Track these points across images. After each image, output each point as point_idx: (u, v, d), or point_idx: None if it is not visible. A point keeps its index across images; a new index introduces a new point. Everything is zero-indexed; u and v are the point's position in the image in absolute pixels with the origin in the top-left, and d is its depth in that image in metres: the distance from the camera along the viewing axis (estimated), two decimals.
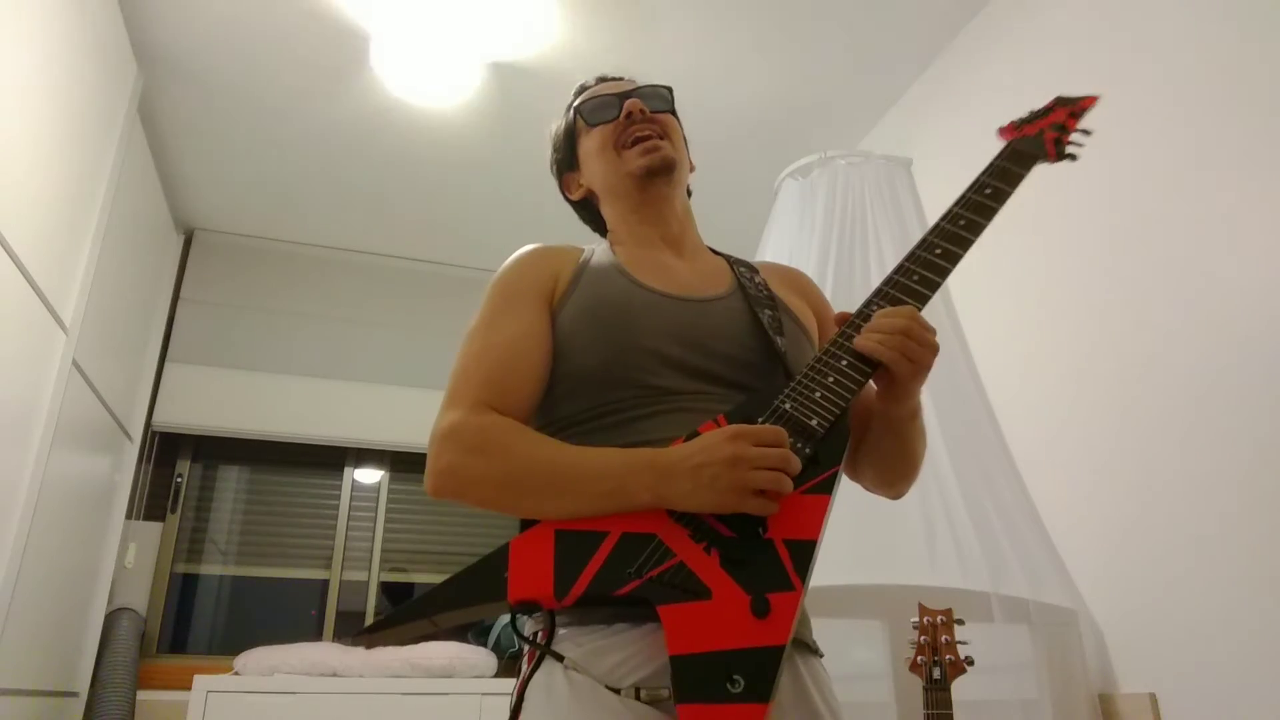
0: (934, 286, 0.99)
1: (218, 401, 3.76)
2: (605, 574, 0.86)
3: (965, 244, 1.03)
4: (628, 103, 1.20)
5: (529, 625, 0.98)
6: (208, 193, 3.74)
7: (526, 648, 0.96)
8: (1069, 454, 2.19)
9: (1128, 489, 2.01)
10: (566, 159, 1.30)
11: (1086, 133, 1.11)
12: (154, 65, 2.95)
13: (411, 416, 3.87)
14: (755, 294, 1.12)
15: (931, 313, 1.14)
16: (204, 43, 2.88)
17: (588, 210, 1.31)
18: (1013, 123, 1.16)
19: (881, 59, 2.98)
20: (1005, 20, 2.65)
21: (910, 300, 0.99)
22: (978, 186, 1.07)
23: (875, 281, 2.24)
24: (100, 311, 2.84)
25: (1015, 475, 2.15)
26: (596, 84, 1.30)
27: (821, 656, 1.02)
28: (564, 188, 1.32)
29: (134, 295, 3.33)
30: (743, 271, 1.18)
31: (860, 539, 1.99)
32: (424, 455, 1.02)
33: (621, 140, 1.20)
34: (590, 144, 1.24)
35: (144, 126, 3.10)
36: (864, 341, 0.95)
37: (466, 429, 0.98)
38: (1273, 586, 1.66)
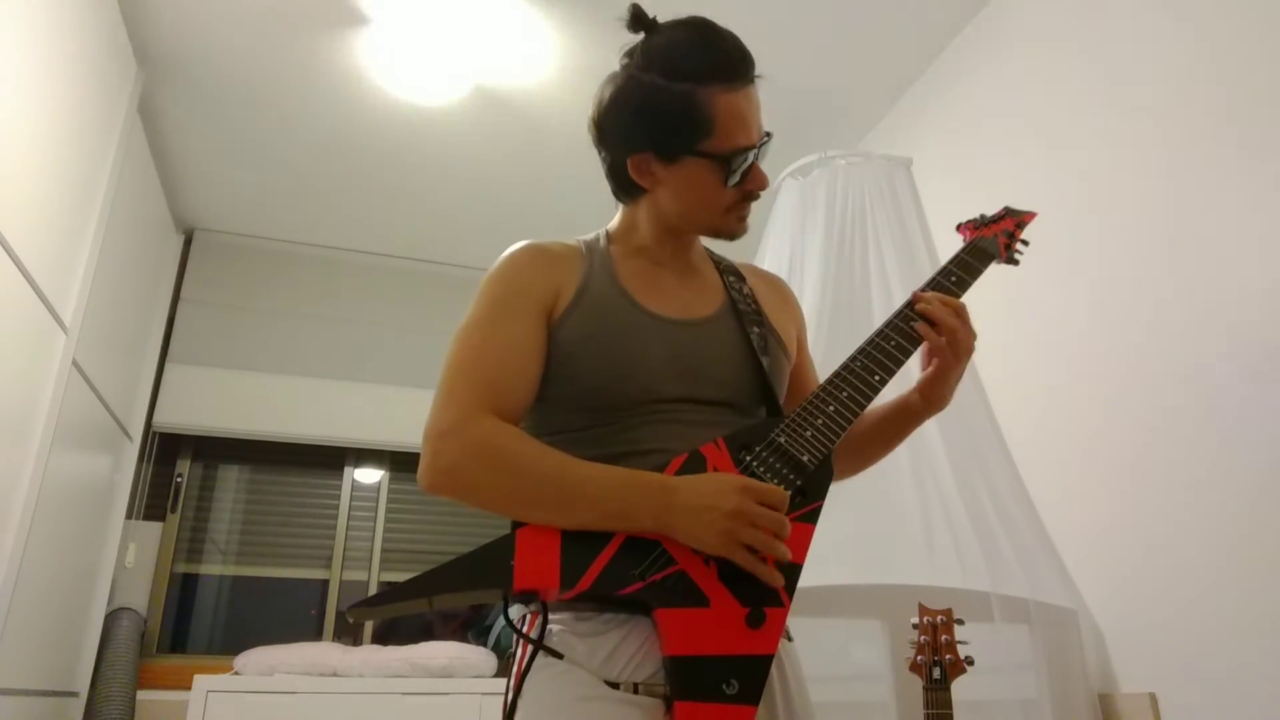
0: (907, 353, 1.10)
1: (218, 401, 3.76)
2: (610, 573, 0.92)
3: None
4: (760, 183, 1.11)
5: (518, 612, 1.03)
6: (208, 193, 3.74)
7: (519, 638, 1.00)
8: (1069, 454, 2.19)
9: (1128, 489, 2.01)
10: (662, 146, 1.08)
11: (1026, 243, 1.27)
12: (154, 65, 2.95)
13: (411, 416, 3.84)
14: (745, 309, 1.16)
15: None
16: (204, 43, 2.88)
17: (624, 189, 1.15)
18: (971, 223, 1.29)
19: (881, 59, 2.98)
20: (1005, 20, 2.65)
21: (889, 363, 1.08)
22: (944, 273, 1.18)
23: (875, 281, 2.26)
24: (100, 311, 2.84)
25: (1015, 475, 2.15)
26: (724, 82, 1.08)
27: (791, 640, 1.11)
28: (634, 169, 1.11)
29: (134, 295, 3.33)
30: (733, 283, 1.20)
31: (859, 539, 1.99)
32: None
33: (738, 209, 1.13)
34: (704, 178, 1.09)
35: (144, 126, 3.10)
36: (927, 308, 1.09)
37: (470, 432, 0.99)
38: (1273, 587, 1.66)
